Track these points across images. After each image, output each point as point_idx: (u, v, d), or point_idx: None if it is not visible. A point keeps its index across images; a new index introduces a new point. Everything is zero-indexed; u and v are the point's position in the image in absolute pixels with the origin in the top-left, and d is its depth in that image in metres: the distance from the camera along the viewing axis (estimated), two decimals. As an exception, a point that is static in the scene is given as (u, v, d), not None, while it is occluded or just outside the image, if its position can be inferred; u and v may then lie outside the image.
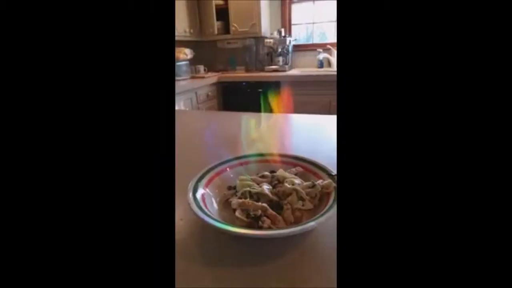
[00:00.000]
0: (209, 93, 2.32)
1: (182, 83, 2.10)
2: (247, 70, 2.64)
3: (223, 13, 2.46)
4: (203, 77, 2.36)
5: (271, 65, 2.51)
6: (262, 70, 2.54)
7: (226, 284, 0.25)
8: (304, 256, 0.28)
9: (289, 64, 2.52)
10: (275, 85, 2.29)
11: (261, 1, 2.35)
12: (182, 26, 2.30)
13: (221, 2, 2.44)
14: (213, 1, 2.41)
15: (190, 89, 2.08)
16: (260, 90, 2.34)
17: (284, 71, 2.43)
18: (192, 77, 2.37)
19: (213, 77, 2.38)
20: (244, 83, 2.38)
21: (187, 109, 2.03)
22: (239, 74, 2.49)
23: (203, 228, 0.32)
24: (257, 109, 0.91)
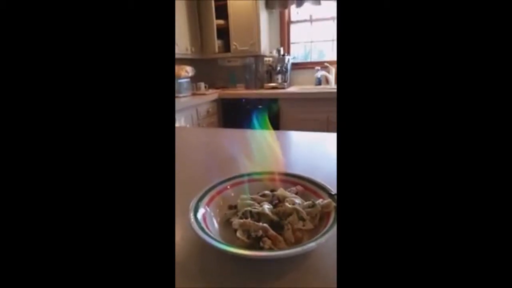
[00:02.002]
0: (210, 110, 2.35)
1: (183, 100, 2.13)
2: (247, 87, 2.69)
3: (223, 32, 2.54)
4: (203, 94, 2.40)
5: (270, 82, 2.56)
6: (262, 87, 2.59)
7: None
8: (305, 276, 0.28)
9: (288, 81, 2.57)
10: (274, 102, 2.33)
11: (261, 21, 2.44)
12: (184, 44, 2.36)
13: (222, 22, 2.52)
14: (214, 21, 2.50)
15: (191, 106, 2.11)
16: (259, 106, 2.38)
17: (283, 88, 2.47)
18: (193, 94, 2.41)
19: (213, 94, 2.42)
20: (243, 100, 2.41)
21: (188, 125, 2.05)
22: (239, 91, 2.53)
23: (204, 248, 0.32)
24: (256, 126, 0.93)
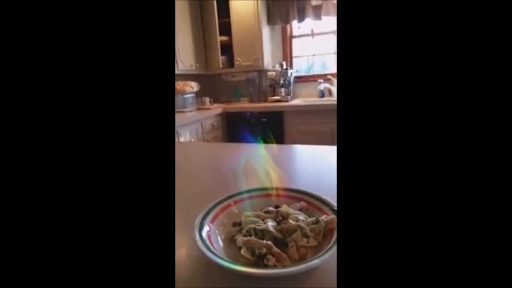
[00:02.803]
0: (214, 123, 2.38)
1: (188, 115, 2.16)
2: (251, 101, 2.73)
3: (227, 48, 2.60)
4: (208, 109, 2.44)
5: (274, 95, 2.59)
6: (265, 101, 2.63)
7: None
8: (310, 296, 0.28)
9: (291, 94, 2.60)
10: (278, 115, 2.35)
11: (263, 36, 2.50)
12: (188, 60, 2.43)
13: (226, 38, 2.59)
14: (218, 37, 2.57)
15: (196, 120, 2.14)
16: (264, 119, 2.40)
17: (287, 101, 2.50)
18: (198, 109, 2.45)
19: (218, 108, 2.46)
20: (248, 113, 2.44)
21: (193, 139, 2.07)
22: (243, 105, 2.57)
23: (209, 265, 0.32)
24: (263, 139, 0.93)
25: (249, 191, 0.43)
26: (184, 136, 1.96)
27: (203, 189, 0.60)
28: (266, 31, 2.56)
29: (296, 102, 2.48)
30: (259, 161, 0.71)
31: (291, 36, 2.78)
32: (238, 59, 2.58)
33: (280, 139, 2.35)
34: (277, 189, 0.43)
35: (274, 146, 0.90)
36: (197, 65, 2.55)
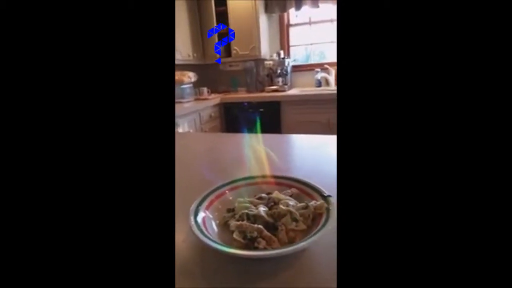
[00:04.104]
0: (212, 114, 2.38)
1: (186, 105, 2.16)
2: (248, 91, 2.72)
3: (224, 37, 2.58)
4: (206, 99, 2.43)
5: (271, 85, 2.59)
6: (263, 91, 2.62)
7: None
8: (298, 275, 0.29)
9: (289, 84, 2.60)
10: (275, 105, 2.35)
11: (260, 25, 2.47)
12: (186, 50, 2.40)
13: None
14: (215, 27, 2.54)
15: (194, 111, 2.14)
16: (261, 109, 2.40)
17: (284, 91, 2.50)
18: (196, 99, 2.45)
19: (216, 99, 2.45)
20: (245, 104, 2.44)
21: (191, 130, 2.08)
22: (241, 95, 2.56)
23: (204, 250, 0.34)
24: (258, 129, 0.94)
25: (243, 179, 0.45)
26: (182, 127, 1.96)
27: (200, 178, 0.61)
28: (263, 19, 2.53)
29: (293, 91, 2.47)
30: (254, 150, 0.72)
31: (289, 25, 2.75)
32: (235, 48, 2.56)
33: (277, 129, 2.36)
34: (269, 177, 0.45)
35: (270, 136, 0.91)
36: (195, 54, 2.53)
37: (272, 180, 0.44)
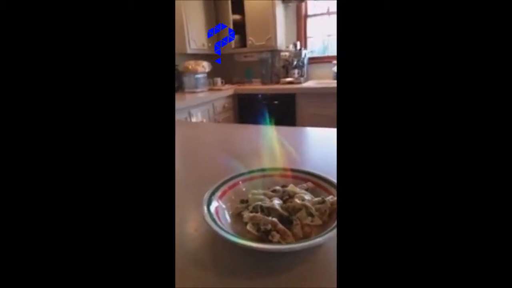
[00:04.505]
0: (226, 105, 2.38)
1: (200, 95, 2.16)
2: (263, 83, 2.69)
3: (240, 27, 2.54)
4: (220, 89, 2.42)
5: (287, 77, 2.54)
6: (278, 83, 2.58)
7: (237, 295, 0.26)
8: (312, 271, 0.28)
9: (305, 76, 2.55)
10: (291, 97, 2.32)
11: (277, 15, 2.41)
12: (200, 40, 2.39)
13: (238, 17, 2.52)
14: (231, 16, 2.50)
15: (208, 101, 2.14)
16: (275, 102, 2.38)
17: (300, 83, 2.45)
18: (210, 89, 2.44)
19: (229, 89, 2.44)
20: (259, 95, 2.42)
21: (205, 120, 2.08)
22: (255, 86, 2.54)
23: (216, 240, 0.33)
24: (272, 121, 0.93)
25: (257, 170, 0.44)
26: (196, 117, 1.97)
27: (214, 168, 0.61)
28: (280, 9, 2.47)
29: (309, 84, 2.42)
30: (269, 142, 0.71)
31: (306, 15, 2.67)
32: (250, 39, 2.52)
33: (291, 122, 2.33)
34: (284, 169, 0.43)
35: (285, 128, 0.89)
36: (209, 44, 2.51)
37: (287, 173, 0.43)
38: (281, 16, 2.52)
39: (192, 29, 2.26)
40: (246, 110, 2.52)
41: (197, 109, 2.01)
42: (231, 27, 2.53)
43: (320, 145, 0.78)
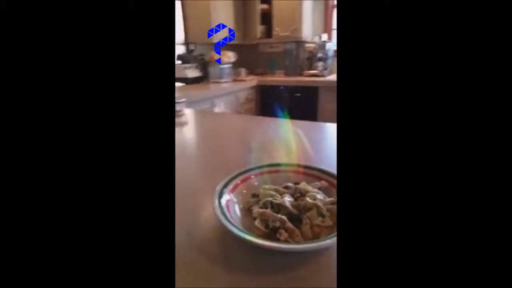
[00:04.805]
0: (248, 96, 2.37)
1: (224, 86, 2.18)
2: (286, 74, 2.64)
3: (266, 17, 2.50)
4: (243, 80, 2.42)
5: (311, 69, 2.48)
6: (301, 75, 2.53)
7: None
8: (317, 272, 0.28)
9: (328, 69, 2.47)
10: (313, 90, 2.26)
11: (304, 6, 2.34)
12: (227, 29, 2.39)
13: (266, 6, 2.48)
14: (258, 6, 2.47)
15: (231, 92, 2.15)
16: (297, 94, 2.33)
17: (323, 76, 2.38)
18: (234, 80, 2.45)
19: (253, 80, 2.43)
20: (282, 87, 2.38)
21: (227, 110, 2.10)
22: (278, 78, 2.50)
23: (225, 232, 0.34)
24: (295, 113, 0.91)
25: (270, 165, 0.43)
26: (219, 107, 1.99)
27: (230, 158, 0.62)
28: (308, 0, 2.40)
29: (332, 77, 2.35)
30: (286, 137, 0.70)
31: (334, 6, 2.57)
32: (276, 29, 2.47)
33: (313, 116, 2.28)
34: (298, 166, 0.43)
35: (305, 123, 0.88)
36: (236, 34, 2.50)
37: (301, 169, 0.42)
38: (308, 7, 2.44)
39: (219, 18, 2.25)
40: (269, 102, 2.50)
41: (221, 99, 2.02)
42: (259, 17, 2.50)
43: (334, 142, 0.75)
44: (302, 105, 2.31)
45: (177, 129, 0.89)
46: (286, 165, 0.43)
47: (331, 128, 0.85)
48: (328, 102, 2.24)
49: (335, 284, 0.27)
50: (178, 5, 2.30)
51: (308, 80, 2.31)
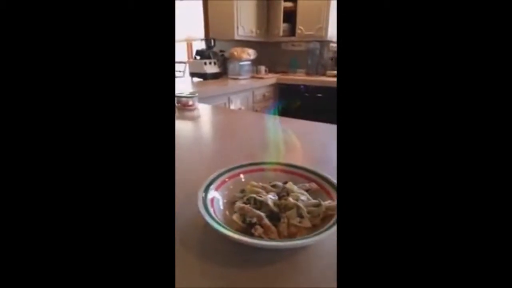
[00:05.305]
0: (266, 93, 2.37)
1: (242, 82, 2.19)
2: (308, 74, 2.61)
3: (290, 15, 2.47)
4: (262, 78, 2.42)
5: (334, 70, 2.43)
6: (324, 75, 2.48)
7: (210, 279, 0.27)
8: (291, 270, 0.28)
9: (353, 70, 2.40)
10: (335, 92, 2.21)
11: (331, 4, 2.29)
12: (249, 26, 2.39)
13: (290, 4, 2.45)
14: (282, 3, 2.45)
15: (248, 88, 2.16)
16: (319, 95, 2.29)
17: (346, 77, 2.32)
18: (252, 77, 2.45)
19: (272, 78, 2.42)
20: (302, 86, 2.36)
21: (243, 107, 2.11)
22: (298, 77, 2.47)
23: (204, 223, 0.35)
24: (312, 114, 0.89)
25: (264, 163, 0.44)
26: (234, 103, 2.01)
27: (230, 153, 0.62)
28: (335, 0, 2.34)
29: (356, 79, 2.28)
30: (286, 136, 0.70)
31: (364, 4, 2.48)
32: (300, 28, 2.44)
33: (333, 118, 2.23)
34: (290, 165, 0.43)
35: (318, 124, 0.87)
36: (258, 31, 2.50)
37: (293, 170, 0.42)
38: (335, 6, 2.38)
39: (242, 15, 2.26)
40: (287, 101, 2.48)
41: (237, 96, 2.04)
42: (282, 14, 2.48)
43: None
44: (322, 106, 2.27)
45: (187, 123, 0.91)
46: (273, 163, 0.43)
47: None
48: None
49: (306, 285, 0.27)
50: (195, 3, 2.34)
51: (330, 81, 2.27)
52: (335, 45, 2.40)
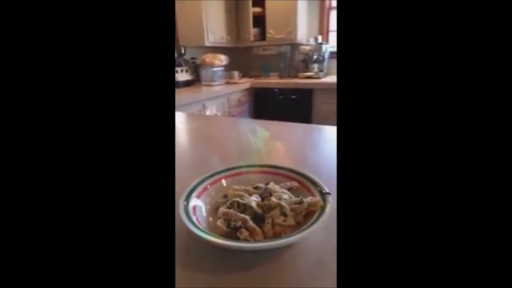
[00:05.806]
0: (241, 98, 2.38)
1: (216, 88, 2.18)
2: (281, 77, 2.66)
3: (260, 20, 2.51)
4: (236, 83, 2.43)
5: (306, 71, 2.49)
6: (296, 77, 2.54)
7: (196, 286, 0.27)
8: (278, 270, 0.28)
9: (325, 71, 2.48)
10: (308, 92, 2.27)
11: (299, 7, 2.36)
12: (219, 33, 2.40)
13: (259, 10, 2.49)
14: (251, 8, 2.48)
15: (223, 94, 2.15)
16: (293, 97, 2.34)
17: (319, 78, 2.40)
18: (226, 83, 2.45)
19: (246, 83, 2.44)
20: (276, 90, 2.39)
21: (219, 113, 2.10)
22: (272, 81, 2.51)
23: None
24: (289, 116, 0.90)
25: (244, 166, 0.44)
26: (210, 109, 2.00)
27: (212, 160, 0.62)
28: (303, 1, 2.41)
29: (329, 79, 2.36)
30: (263, 138, 0.70)
31: (330, 8, 2.59)
32: (270, 32, 2.49)
33: (307, 118, 2.29)
34: (270, 166, 0.43)
35: (294, 125, 0.88)
36: (228, 37, 2.51)
37: (272, 170, 0.42)
38: (303, 8, 2.45)
39: (211, 22, 2.26)
40: (262, 105, 2.51)
41: (212, 102, 2.03)
42: (251, 20, 2.51)
43: (330, 144, 0.76)
44: (296, 107, 2.32)
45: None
46: (258, 166, 0.43)
47: (326, 131, 0.85)
48: (323, 104, 2.24)
49: (293, 284, 0.27)
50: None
51: (303, 82, 2.32)
52: (305, 47, 2.47)
